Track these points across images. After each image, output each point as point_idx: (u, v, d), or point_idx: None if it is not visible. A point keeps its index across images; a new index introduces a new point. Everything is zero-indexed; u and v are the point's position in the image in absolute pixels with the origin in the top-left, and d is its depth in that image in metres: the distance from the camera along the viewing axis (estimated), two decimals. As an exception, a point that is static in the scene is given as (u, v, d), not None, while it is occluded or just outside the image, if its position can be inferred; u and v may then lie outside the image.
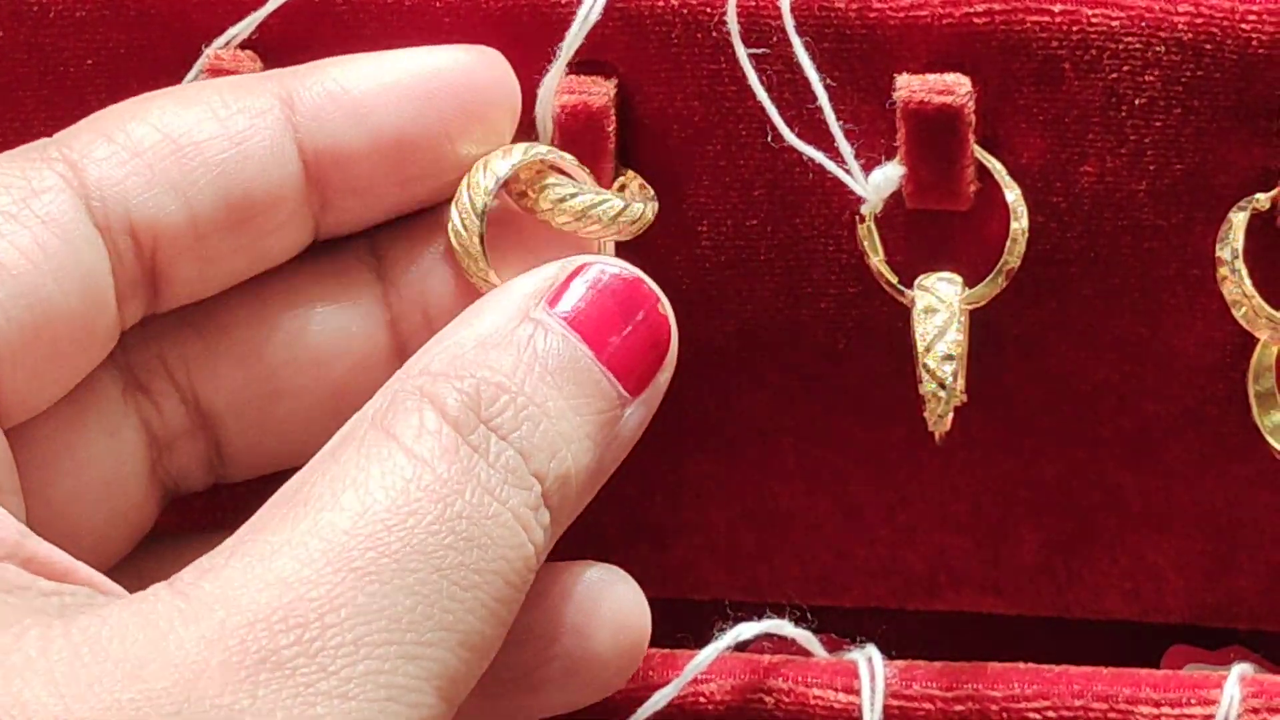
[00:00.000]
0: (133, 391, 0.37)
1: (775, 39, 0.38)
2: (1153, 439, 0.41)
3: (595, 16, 0.38)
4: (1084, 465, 0.41)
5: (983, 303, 0.38)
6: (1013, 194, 0.38)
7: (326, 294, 0.37)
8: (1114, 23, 0.38)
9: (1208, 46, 0.38)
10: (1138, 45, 0.38)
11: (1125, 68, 0.38)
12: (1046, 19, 0.38)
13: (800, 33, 0.38)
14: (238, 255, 0.36)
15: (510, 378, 0.33)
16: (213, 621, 0.29)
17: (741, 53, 0.38)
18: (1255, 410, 0.39)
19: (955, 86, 0.38)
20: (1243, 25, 0.37)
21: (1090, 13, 0.38)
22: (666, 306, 0.36)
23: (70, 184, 0.34)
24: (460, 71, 0.37)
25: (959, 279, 0.38)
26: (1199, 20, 0.37)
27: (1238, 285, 0.38)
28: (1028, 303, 0.40)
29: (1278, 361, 0.39)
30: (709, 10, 0.38)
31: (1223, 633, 0.43)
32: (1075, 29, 0.38)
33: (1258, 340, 0.39)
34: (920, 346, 0.37)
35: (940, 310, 0.38)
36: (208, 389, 0.37)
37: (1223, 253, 0.38)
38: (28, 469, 0.34)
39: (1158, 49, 0.38)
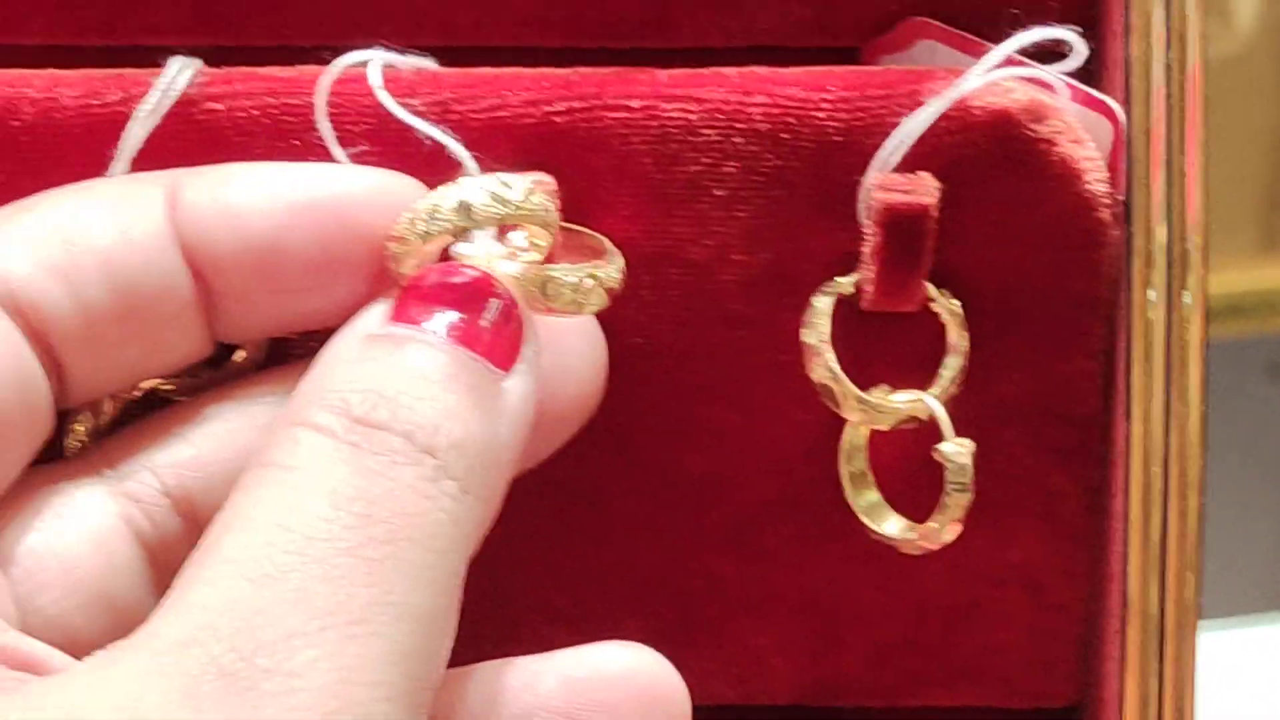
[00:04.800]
0: (118, 498, 0.36)
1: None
2: (750, 526, 0.41)
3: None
4: (684, 554, 0.41)
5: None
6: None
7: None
8: (692, 116, 0.38)
9: (785, 136, 0.38)
10: (716, 138, 0.38)
11: (705, 160, 0.38)
12: (625, 115, 0.37)
13: (381, 140, 0.37)
14: (131, 346, 0.35)
15: (373, 382, 0.33)
16: (145, 655, 0.29)
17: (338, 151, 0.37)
18: (849, 491, 0.40)
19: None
20: (817, 114, 0.38)
21: (668, 107, 0.37)
22: (503, 288, 0.34)
23: None
24: (345, 191, 0.36)
25: None
26: (775, 110, 0.38)
27: (825, 369, 0.38)
28: (620, 396, 0.39)
29: (868, 442, 0.40)
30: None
31: (829, 710, 0.43)
32: (654, 124, 0.37)
33: (847, 421, 0.39)
34: None
35: None
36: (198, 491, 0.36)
37: (809, 338, 0.38)
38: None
39: (736, 140, 0.38)
